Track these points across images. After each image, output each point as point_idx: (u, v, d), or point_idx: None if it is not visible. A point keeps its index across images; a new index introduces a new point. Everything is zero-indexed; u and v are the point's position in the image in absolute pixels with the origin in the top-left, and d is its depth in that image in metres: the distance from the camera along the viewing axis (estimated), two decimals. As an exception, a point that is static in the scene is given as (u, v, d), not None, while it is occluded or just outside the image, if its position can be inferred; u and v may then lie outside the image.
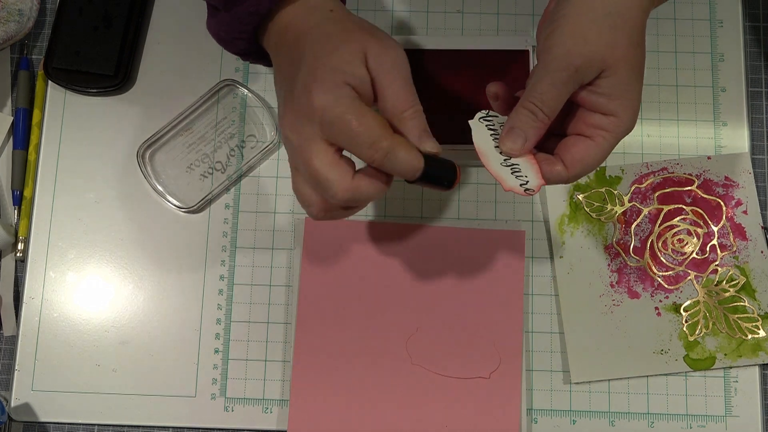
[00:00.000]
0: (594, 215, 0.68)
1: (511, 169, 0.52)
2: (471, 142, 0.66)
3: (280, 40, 0.53)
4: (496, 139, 0.53)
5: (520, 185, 0.52)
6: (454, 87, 0.68)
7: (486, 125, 0.54)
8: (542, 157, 0.52)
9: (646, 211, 0.68)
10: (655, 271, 0.67)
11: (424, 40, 0.69)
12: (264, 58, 0.58)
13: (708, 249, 0.68)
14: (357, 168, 0.51)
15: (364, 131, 0.48)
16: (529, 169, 0.52)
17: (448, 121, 0.68)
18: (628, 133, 0.52)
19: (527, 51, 0.68)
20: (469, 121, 0.54)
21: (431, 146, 0.50)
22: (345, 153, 0.51)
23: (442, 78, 0.68)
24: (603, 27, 0.49)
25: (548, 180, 0.52)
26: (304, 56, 0.50)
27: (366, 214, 0.69)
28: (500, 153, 0.52)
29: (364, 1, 0.73)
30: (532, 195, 0.52)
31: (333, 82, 0.48)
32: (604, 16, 0.49)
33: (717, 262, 0.67)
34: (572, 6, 0.49)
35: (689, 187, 0.69)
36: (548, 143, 0.54)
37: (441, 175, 0.51)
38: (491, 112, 0.54)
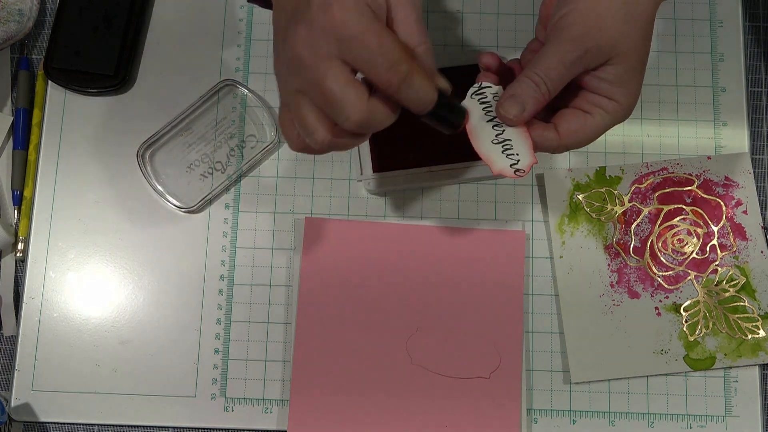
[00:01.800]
0: (594, 215, 0.68)
1: (503, 146, 0.51)
2: (445, 162, 0.65)
3: None
4: (488, 112, 0.52)
5: (510, 165, 0.51)
6: None
7: (479, 99, 0.53)
8: (536, 123, 0.52)
9: (646, 211, 0.68)
10: (655, 271, 0.67)
11: None
12: None
13: (708, 249, 0.68)
14: None
15: (385, 51, 0.45)
16: (521, 144, 0.51)
17: (423, 144, 0.67)
18: (624, 120, 0.53)
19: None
20: (463, 103, 0.53)
21: (443, 83, 0.49)
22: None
23: None
24: (618, 16, 0.50)
25: (538, 145, 0.52)
26: None
27: (366, 214, 0.69)
28: (493, 128, 0.52)
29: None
30: (522, 176, 0.51)
31: (353, 1, 0.46)
32: (621, 5, 0.50)
33: (717, 262, 0.67)
34: None
35: (689, 187, 0.69)
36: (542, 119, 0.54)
37: (450, 113, 0.50)
38: (483, 84, 0.53)
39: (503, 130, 0.52)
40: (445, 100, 0.49)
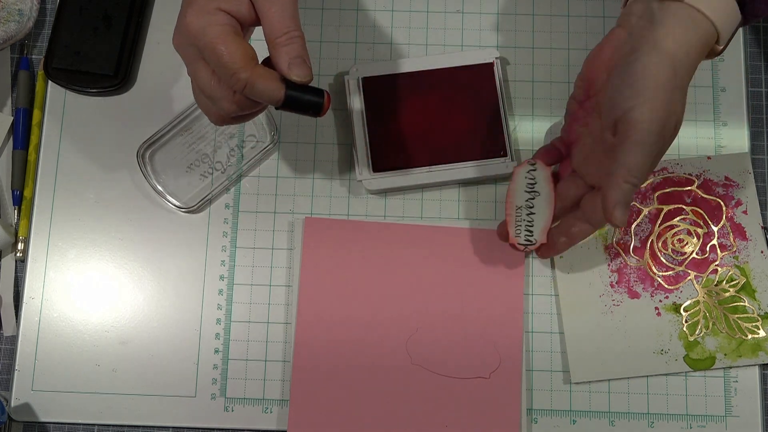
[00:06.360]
0: (594, 215, 0.68)
1: (526, 222, 0.62)
2: (444, 162, 0.67)
3: None
4: (530, 186, 0.63)
5: (524, 240, 0.63)
6: (424, 108, 0.68)
7: (528, 174, 0.63)
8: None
9: (646, 211, 0.68)
10: (655, 271, 0.67)
11: (390, 66, 0.69)
12: None
13: (708, 249, 0.68)
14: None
15: (226, 61, 0.50)
16: (541, 219, 0.62)
17: (422, 144, 0.67)
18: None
19: (492, 63, 0.68)
20: (515, 176, 0.64)
21: (298, 75, 0.52)
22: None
23: (411, 101, 0.68)
24: (683, 92, 0.54)
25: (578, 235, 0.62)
26: None
27: (366, 214, 0.69)
28: (526, 201, 0.63)
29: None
30: (526, 252, 0.64)
31: (205, 9, 0.50)
32: (682, 78, 0.53)
33: (717, 262, 0.67)
34: (651, 70, 0.52)
35: (689, 187, 0.69)
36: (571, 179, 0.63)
37: (305, 102, 0.53)
38: (538, 164, 0.63)
39: (534, 204, 0.63)
40: (300, 90, 0.52)
